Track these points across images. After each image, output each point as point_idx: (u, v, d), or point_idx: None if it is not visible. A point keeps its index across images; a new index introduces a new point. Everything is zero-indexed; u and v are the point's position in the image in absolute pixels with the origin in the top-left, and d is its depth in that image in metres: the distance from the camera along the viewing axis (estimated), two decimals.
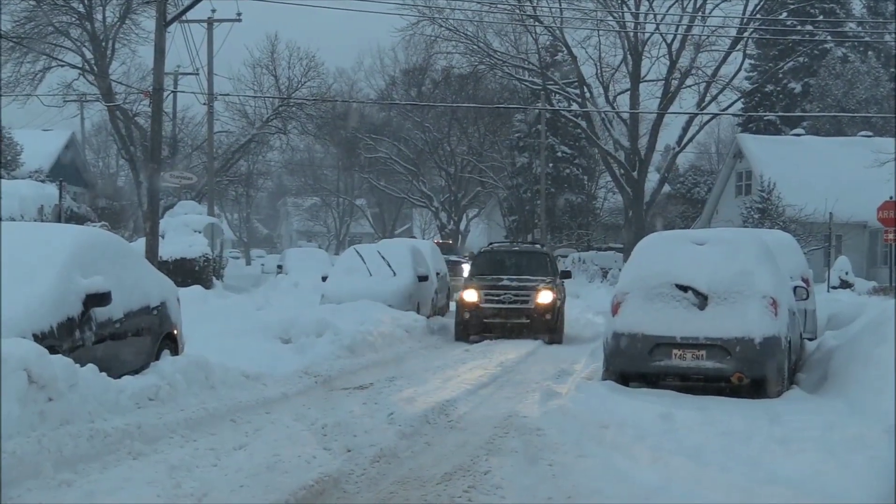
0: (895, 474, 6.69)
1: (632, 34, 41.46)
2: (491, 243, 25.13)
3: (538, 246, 23.70)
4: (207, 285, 27.73)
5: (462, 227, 62.45)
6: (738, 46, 42.81)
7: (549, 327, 19.42)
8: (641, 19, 41.58)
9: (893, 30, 49.95)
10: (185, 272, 27.44)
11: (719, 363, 10.87)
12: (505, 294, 19.68)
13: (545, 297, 19.55)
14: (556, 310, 19.58)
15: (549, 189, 52.25)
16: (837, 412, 9.38)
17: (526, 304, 19.55)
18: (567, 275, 22.50)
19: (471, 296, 19.82)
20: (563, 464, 7.87)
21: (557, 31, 42.36)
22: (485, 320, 19.64)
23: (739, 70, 44.78)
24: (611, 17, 41.81)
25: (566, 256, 47.60)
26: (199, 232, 30.46)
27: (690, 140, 44.87)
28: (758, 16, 42.00)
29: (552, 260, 22.14)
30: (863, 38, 53.37)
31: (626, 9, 41.47)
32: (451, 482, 7.34)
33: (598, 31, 41.79)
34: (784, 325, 11.08)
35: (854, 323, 13.25)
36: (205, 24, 38.37)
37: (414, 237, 48.84)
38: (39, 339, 8.36)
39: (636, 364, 11.29)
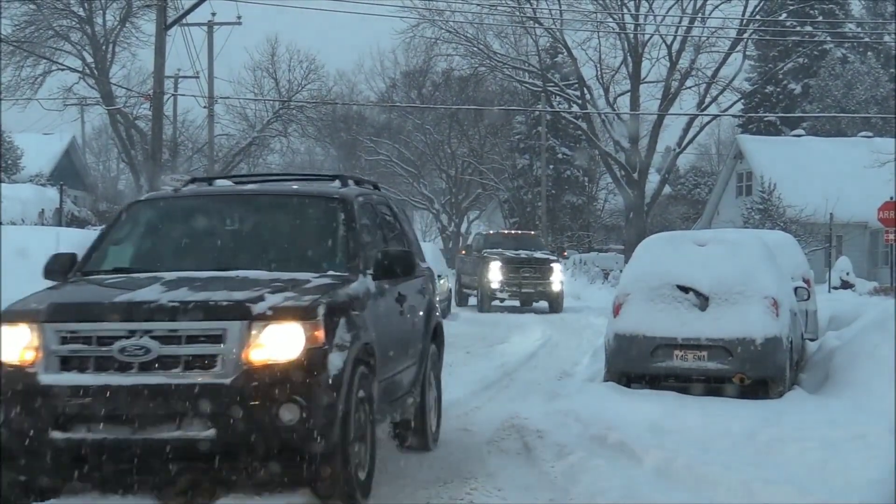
0: None
1: (631, 36, 41.47)
2: (191, 178, 8.98)
3: (324, 188, 8.36)
4: None
5: (463, 229, 62.45)
6: (738, 47, 42.81)
7: (292, 456, 6.09)
8: (641, 21, 41.61)
9: (893, 30, 49.97)
10: None
11: (721, 364, 10.87)
12: (130, 343, 6.06)
13: (279, 344, 6.08)
14: (319, 388, 6.05)
15: (550, 191, 52.29)
16: (839, 411, 9.39)
17: (206, 368, 6.06)
18: (402, 264, 7.43)
19: (12, 349, 6.22)
20: (565, 465, 7.86)
21: (557, 33, 42.38)
22: (54, 436, 6.03)
23: (739, 71, 44.79)
24: (610, 19, 41.84)
25: (567, 258, 47.57)
26: None
27: (691, 141, 44.89)
28: (757, 17, 42.03)
29: (354, 221, 7.46)
30: (862, 38, 53.39)
31: (625, 10, 41.50)
32: (453, 483, 7.34)
33: (598, 32, 41.82)
34: (785, 326, 11.08)
35: (855, 323, 13.25)
36: (205, 28, 38.43)
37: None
38: None
39: (638, 365, 11.28)
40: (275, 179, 9.30)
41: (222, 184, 8.52)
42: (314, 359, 6.07)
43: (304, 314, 6.15)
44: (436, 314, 9.14)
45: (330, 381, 6.09)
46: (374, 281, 7.23)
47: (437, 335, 9.09)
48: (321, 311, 6.20)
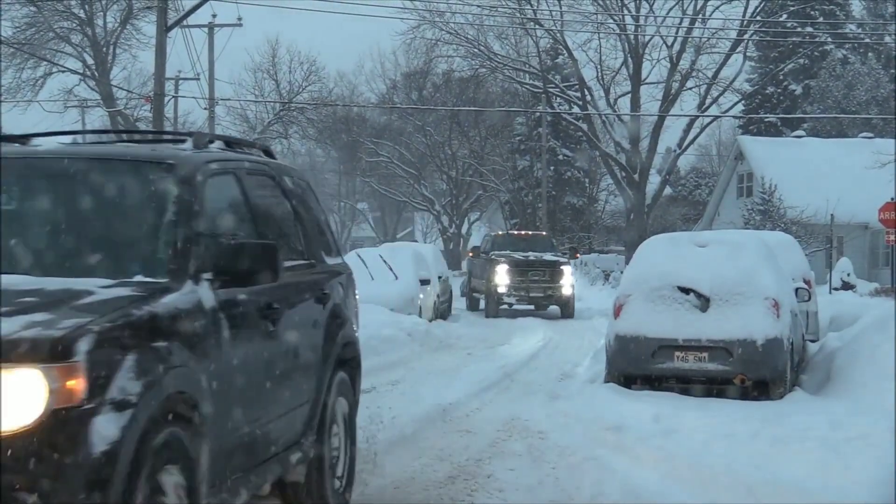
0: None
1: (632, 37, 41.51)
2: None
3: (153, 151, 5.75)
4: None
5: (464, 230, 62.47)
6: (739, 48, 42.87)
7: None
8: (642, 22, 41.65)
9: (893, 31, 49.97)
10: None
11: (722, 365, 10.87)
12: None
13: (3, 403, 3.60)
14: (70, 477, 3.62)
15: (551, 192, 52.28)
16: (840, 412, 9.38)
17: None
18: (254, 262, 4.87)
19: None
20: (566, 466, 7.88)
21: (558, 34, 42.44)
22: None
23: (740, 72, 44.83)
24: (611, 20, 41.89)
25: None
26: None
27: (691, 142, 44.94)
28: (758, 18, 42.05)
29: (193, 200, 5.00)
30: (863, 39, 53.42)
31: (626, 12, 41.54)
32: (454, 484, 7.35)
33: (599, 33, 41.88)
34: (786, 327, 11.08)
35: (856, 324, 13.25)
36: (205, 30, 38.44)
37: (415, 241, 48.79)
38: None
39: (638, 366, 11.29)
40: (115, 140, 6.90)
41: (44, 145, 5.57)
42: (65, 427, 3.62)
43: (48, 353, 3.65)
44: (349, 329, 6.56)
45: (92, 464, 3.65)
46: (220, 290, 4.77)
47: (347, 358, 6.50)
48: (82, 346, 3.72)
